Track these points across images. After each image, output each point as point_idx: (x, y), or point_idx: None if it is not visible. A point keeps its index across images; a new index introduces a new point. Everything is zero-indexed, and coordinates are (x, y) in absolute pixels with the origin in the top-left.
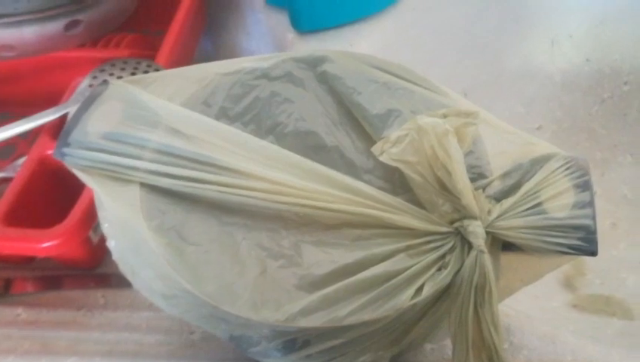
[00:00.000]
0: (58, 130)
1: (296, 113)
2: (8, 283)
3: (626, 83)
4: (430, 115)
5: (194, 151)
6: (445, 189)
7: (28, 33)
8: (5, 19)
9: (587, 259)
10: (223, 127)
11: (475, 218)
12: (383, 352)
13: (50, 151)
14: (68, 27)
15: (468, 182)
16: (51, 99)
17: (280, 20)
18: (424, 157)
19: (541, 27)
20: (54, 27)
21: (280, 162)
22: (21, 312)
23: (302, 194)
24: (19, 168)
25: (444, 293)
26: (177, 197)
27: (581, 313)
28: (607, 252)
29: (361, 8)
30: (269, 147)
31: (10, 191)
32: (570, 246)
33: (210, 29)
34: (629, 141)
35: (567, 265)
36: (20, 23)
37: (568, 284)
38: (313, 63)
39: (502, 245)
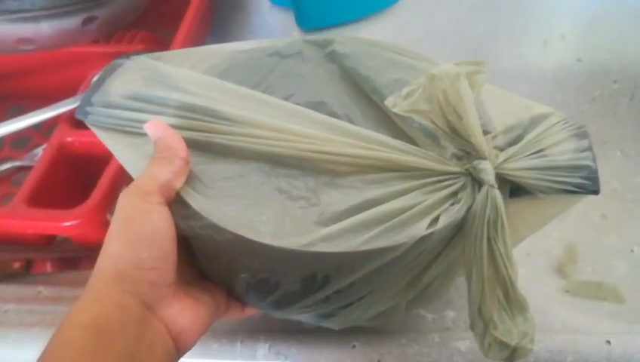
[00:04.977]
0: (76, 119)
1: (307, 86)
2: (29, 264)
3: (615, 81)
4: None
5: (214, 108)
6: (456, 133)
7: (46, 28)
8: (24, 14)
9: (579, 248)
10: (238, 88)
11: (484, 158)
12: (399, 297)
13: (69, 139)
14: (85, 22)
15: (478, 122)
16: (65, 93)
17: (284, 20)
18: (436, 104)
19: (534, 28)
20: (72, 22)
21: (295, 115)
22: (42, 290)
23: (317, 141)
24: (36, 157)
25: (457, 232)
26: (198, 148)
27: (573, 297)
28: (597, 241)
29: (364, 7)
30: (283, 103)
31: (33, 176)
32: (574, 185)
33: (216, 28)
34: (619, 137)
35: (560, 252)
36: (38, 18)
37: (560, 271)
38: (322, 44)
39: (509, 192)
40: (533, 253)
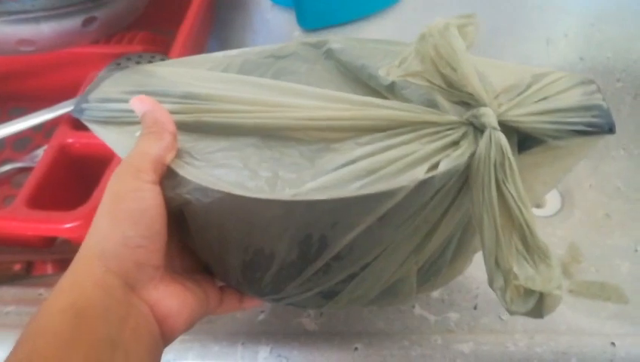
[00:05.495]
0: (77, 120)
1: (304, 82)
2: (30, 266)
3: (618, 80)
4: None
5: (203, 92)
6: (452, 86)
7: (46, 29)
8: (24, 15)
9: (583, 247)
10: (232, 75)
11: (485, 105)
12: (408, 265)
13: (70, 140)
14: (85, 23)
15: (474, 71)
16: (66, 95)
17: (286, 19)
18: (429, 62)
19: (536, 27)
20: (72, 23)
21: (288, 91)
22: (43, 292)
23: (309, 110)
24: (36, 158)
25: (464, 186)
26: (190, 129)
27: (577, 297)
28: (601, 241)
29: (365, 7)
30: (276, 82)
31: (33, 177)
32: (586, 124)
33: (218, 28)
34: (622, 136)
35: (563, 252)
36: (38, 19)
37: (564, 271)
38: (318, 45)
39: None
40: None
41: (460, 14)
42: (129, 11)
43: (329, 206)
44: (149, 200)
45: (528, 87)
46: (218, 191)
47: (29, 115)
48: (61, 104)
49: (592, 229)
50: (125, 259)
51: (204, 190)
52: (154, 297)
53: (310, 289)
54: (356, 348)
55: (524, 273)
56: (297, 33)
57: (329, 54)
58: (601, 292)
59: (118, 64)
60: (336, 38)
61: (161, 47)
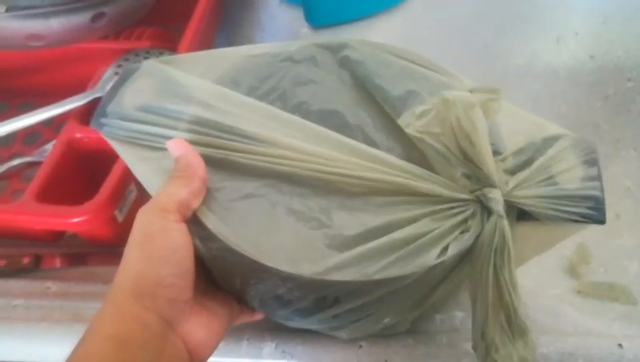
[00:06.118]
0: (85, 115)
1: (319, 94)
2: (38, 259)
3: (629, 79)
4: (457, 90)
5: (227, 123)
6: (468, 159)
7: (55, 24)
8: (33, 10)
9: (592, 248)
10: (253, 101)
11: (494, 186)
12: (406, 314)
13: (78, 135)
14: (94, 19)
15: (490, 153)
16: (74, 90)
17: (293, 16)
18: (449, 128)
19: (546, 25)
20: (81, 18)
21: (308, 134)
22: (51, 285)
23: (330, 162)
24: (46, 153)
25: (465, 257)
26: (212, 165)
27: (585, 298)
28: (610, 241)
29: (374, 4)
30: (297, 120)
31: (42, 171)
32: (580, 215)
33: (226, 24)
34: (632, 135)
35: (572, 252)
36: (47, 14)
37: (572, 272)
38: (335, 49)
39: (516, 216)
40: (545, 253)
41: (486, 88)
42: (138, 7)
43: (347, 283)
44: (177, 240)
45: (536, 153)
46: (247, 258)
47: (39, 110)
48: (70, 99)
49: (600, 229)
50: (160, 296)
51: (234, 252)
52: (185, 330)
53: (319, 325)
54: (360, 346)
55: (504, 347)
56: (305, 30)
57: (345, 62)
58: (610, 292)
59: (127, 59)
60: (354, 43)
61: (169, 43)
